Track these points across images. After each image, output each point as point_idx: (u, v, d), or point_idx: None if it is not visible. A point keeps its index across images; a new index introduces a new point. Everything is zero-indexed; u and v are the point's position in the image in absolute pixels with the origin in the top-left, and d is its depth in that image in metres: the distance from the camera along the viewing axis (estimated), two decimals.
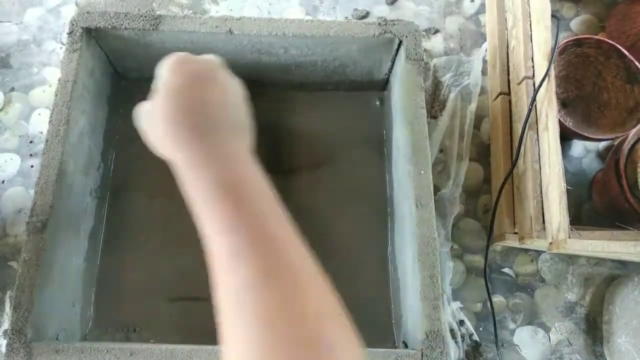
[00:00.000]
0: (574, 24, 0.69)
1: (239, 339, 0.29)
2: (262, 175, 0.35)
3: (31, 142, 0.61)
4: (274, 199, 0.35)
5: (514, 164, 0.54)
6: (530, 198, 0.51)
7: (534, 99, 0.53)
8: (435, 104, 0.64)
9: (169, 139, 0.35)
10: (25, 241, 0.43)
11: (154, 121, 0.37)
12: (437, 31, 0.68)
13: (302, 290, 0.30)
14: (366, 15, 0.68)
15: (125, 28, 0.50)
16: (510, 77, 0.60)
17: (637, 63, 0.57)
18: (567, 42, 0.58)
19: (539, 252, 0.59)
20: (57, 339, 0.45)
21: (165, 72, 0.38)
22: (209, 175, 0.33)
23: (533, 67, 0.55)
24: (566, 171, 0.57)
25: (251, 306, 0.29)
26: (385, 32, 0.51)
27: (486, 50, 0.66)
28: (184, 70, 0.38)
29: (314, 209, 0.56)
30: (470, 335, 0.56)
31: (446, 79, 0.65)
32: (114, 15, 0.50)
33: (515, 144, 0.55)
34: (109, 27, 0.50)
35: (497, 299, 0.57)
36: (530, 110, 0.53)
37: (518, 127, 0.55)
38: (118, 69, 0.58)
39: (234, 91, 0.40)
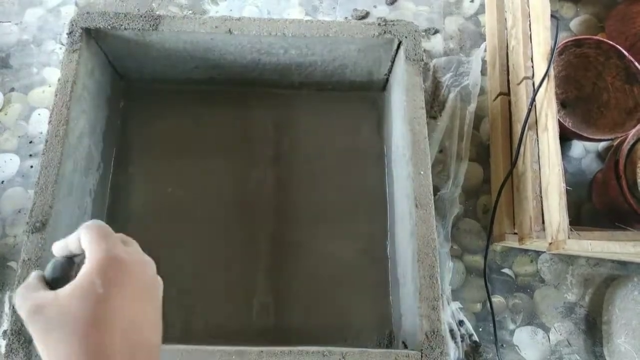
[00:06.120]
0: (574, 24, 0.69)
1: None
2: None
3: (31, 142, 0.61)
4: None
5: (513, 164, 0.54)
6: (529, 198, 0.51)
7: (533, 100, 0.53)
8: (434, 104, 0.64)
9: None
10: (25, 241, 0.43)
11: (62, 326, 0.25)
12: (436, 31, 0.68)
13: None
14: (366, 15, 0.68)
15: (125, 28, 0.50)
16: (510, 77, 0.60)
17: (636, 63, 0.57)
18: (566, 42, 0.58)
19: (538, 253, 0.59)
20: None
21: (94, 264, 0.27)
22: None
23: (532, 67, 0.55)
24: (566, 172, 0.57)
25: None
26: (384, 32, 0.51)
27: (485, 50, 0.66)
28: (121, 277, 0.28)
29: (314, 208, 0.56)
30: (470, 336, 0.56)
31: (446, 79, 0.65)
32: (113, 15, 0.50)
33: (515, 144, 0.55)
34: (109, 27, 0.50)
35: (497, 299, 0.58)
36: (529, 111, 0.53)
37: (518, 128, 0.55)
38: (118, 69, 0.58)
39: (157, 297, 0.31)
